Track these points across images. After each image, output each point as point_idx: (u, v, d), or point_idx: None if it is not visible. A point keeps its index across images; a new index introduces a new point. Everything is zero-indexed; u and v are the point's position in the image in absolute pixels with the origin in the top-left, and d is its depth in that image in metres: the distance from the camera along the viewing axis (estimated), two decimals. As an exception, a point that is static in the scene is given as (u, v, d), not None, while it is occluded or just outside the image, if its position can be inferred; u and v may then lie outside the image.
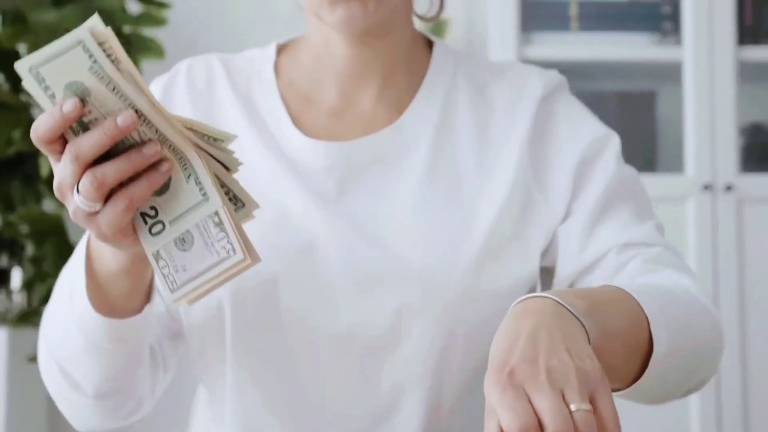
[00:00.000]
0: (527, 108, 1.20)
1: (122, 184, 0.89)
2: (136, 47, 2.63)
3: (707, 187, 2.62)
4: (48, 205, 2.71)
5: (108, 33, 0.82)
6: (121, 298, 1.06)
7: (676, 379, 1.01)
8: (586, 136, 1.19)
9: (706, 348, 1.05)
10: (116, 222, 0.89)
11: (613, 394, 0.97)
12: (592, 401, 0.79)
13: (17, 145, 2.58)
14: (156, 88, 1.25)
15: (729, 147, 2.65)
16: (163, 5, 2.69)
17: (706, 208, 2.62)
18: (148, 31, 2.72)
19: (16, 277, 2.71)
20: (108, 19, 2.59)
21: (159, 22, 2.65)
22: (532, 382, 0.78)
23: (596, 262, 1.14)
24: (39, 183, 2.63)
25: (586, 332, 0.86)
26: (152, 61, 2.69)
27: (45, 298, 2.59)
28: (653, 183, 2.68)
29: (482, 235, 1.14)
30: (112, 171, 0.87)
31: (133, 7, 2.79)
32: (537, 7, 2.73)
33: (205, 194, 0.89)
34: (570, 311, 0.86)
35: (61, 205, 2.65)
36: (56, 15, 2.55)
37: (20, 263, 2.71)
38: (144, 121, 0.86)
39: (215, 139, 0.90)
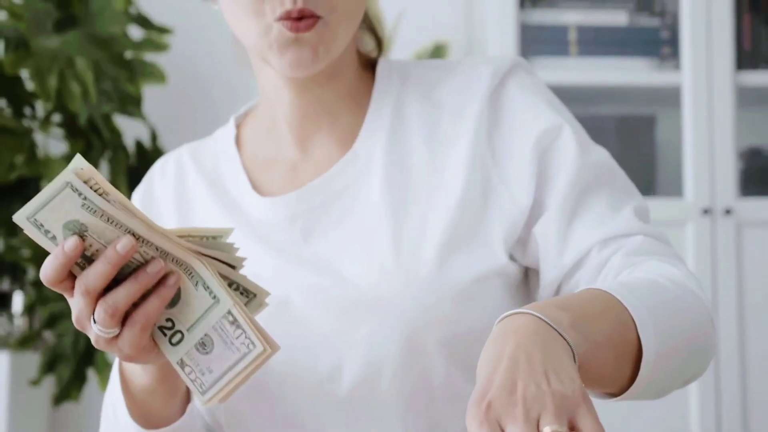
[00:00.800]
0: (476, 99, 1.17)
1: (135, 305, 0.93)
2: (138, 72, 2.65)
3: (706, 211, 2.63)
4: (50, 230, 2.72)
5: (91, 170, 0.88)
6: (162, 408, 1.10)
7: (671, 375, 1.00)
8: (540, 123, 1.15)
9: (698, 341, 1.04)
10: (136, 342, 0.93)
11: (610, 399, 0.98)
12: (573, 423, 0.80)
13: (19, 169, 2.59)
14: (136, 197, 1.27)
15: (728, 171, 2.66)
16: (164, 31, 2.71)
17: (706, 232, 2.63)
18: (150, 57, 2.74)
19: (18, 300, 2.71)
20: (110, 44, 2.61)
21: (161, 47, 2.67)
22: (507, 414, 0.80)
23: (578, 263, 1.11)
24: (41, 207, 2.64)
25: (571, 347, 0.87)
26: (154, 86, 2.70)
27: (46, 322, 2.60)
28: (653, 207, 2.67)
29: (439, 237, 1.12)
30: (123, 296, 0.91)
31: (135, 33, 2.81)
32: (536, 31, 2.74)
33: (215, 297, 0.93)
34: (553, 327, 0.87)
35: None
36: (58, 41, 2.56)
37: (22, 287, 2.72)
38: (142, 241, 0.91)
39: (214, 238, 0.94)
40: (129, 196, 2.63)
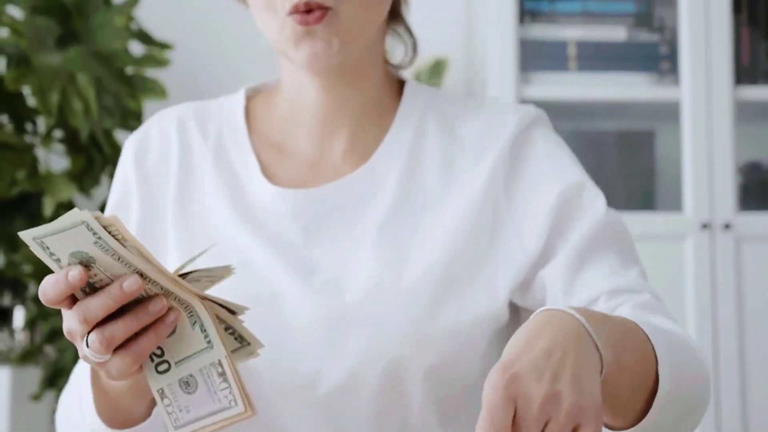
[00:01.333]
0: (499, 143, 1.18)
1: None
2: (139, 88, 2.66)
3: (706, 226, 2.64)
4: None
5: (114, 219, 0.86)
6: (130, 407, 1.08)
7: (673, 422, 1.01)
8: (566, 178, 1.17)
9: (700, 393, 1.05)
10: (125, 371, 0.93)
11: None
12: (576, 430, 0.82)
13: (21, 185, 2.60)
14: (129, 145, 1.26)
15: (727, 186, 2.66)
16: (165, 46, 2.72)
17: (705, 247, 2.63)
18: (151, 72, 2.75)
19: (19, 315, 2.72)
20: (111, 60, 2.62)
21: (161, 63, 2.68)
22: (525, 402, 0.81)
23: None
24: (42, 222, 2.64)
25: (602, 363, 0.88)
26: (155, 101, 2.71)
27: (47, 337, 2.60)
28: (652, 221, 2.71)
29: (441, 272, 1.13)
30: (121, 330, 0.90)
31: (136, 49, 2.82)
32: (536, 47, 2.75)
33: (209, 342, 0.93)
34: (593, 338, 0.88)
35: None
36: (60, 57, 2.57)
37: (23, 302, 2.73)
38: (148, 280, 0.90)
39: (220, 278, 0.94)
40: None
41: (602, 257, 1.14)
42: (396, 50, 1.28)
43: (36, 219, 2.65)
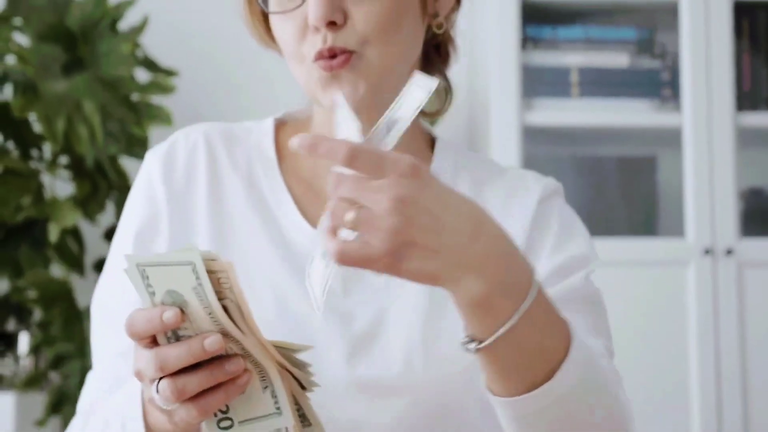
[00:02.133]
0: (523, 211, 1.20)
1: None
2: (144, 114, 2.67)
3: (708, 252, 2.64)
4: (56, 270, 2.73)
5: (226, 265, 0.86)
6: None
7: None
8: (567, 252, 1.18)
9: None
10: (189, 422, 0.92)
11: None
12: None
13: (26, 210, 2.61)
14: (154, 159, 1.23)
15: (729, 211, 2.67)
16: (170, 73, 2.73)
17: (707, 273, 2.64)
18: (156, 99, 2.76)
19: (24, 341, 2.73)
20: (117, 87, 2.64)
21: (167, 89, 2.69)
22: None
23: None
24: (47, 248, 2.65)
25: (530, 285, 0.92)
26: (160, 127, 2.72)
27: (52, 363, 2.61)
28: (654, 247, 2.72)
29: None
30: (194, 384, 0.90)
31: (142, 76, 2.83)
32: (538, 73, 2.77)
33: (278, 409, 0.93)
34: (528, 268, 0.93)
35: (69, 271, 2.68)
36: (66, 84, 2.59)
37: (28, 328, 2.73)
38: (231, 339, 0.90)
39: (294, 351, 0.93)
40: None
41: (575, 317, 1.11)
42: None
43: (41, 245, 2.66)
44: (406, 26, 1.15)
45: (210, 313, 0.88)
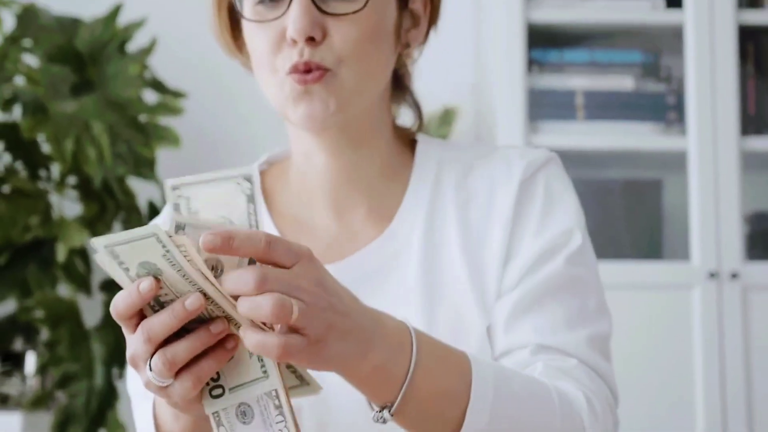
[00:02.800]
0: (506, 199, 1.20)
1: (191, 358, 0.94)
2: (152, 136, 2.68)
3: (713, 275, 2.65)
4: (63, 290, 2.74)
5: (185, 240, 0.88)
6: None
7: None
8: (554, 228, 1.18)
9: None
10: (186, 395, 0.94)
11: None
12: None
13: (34, 230, 2.62)
14: (158, 221, 1.26)
15: (734, 235, 2.68)
16: (178, 95, 2.75)
17: (712, 296, 2.64)
18: (164, 120, 2.78)
19: (30, 361, 2.73)
20: (125, 108, 2.65)
21: (175, 111, 2.71)
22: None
23: (508, 352, 1.14)
24: (55, 268, 2.66)
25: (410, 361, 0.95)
26: (168, 149, 2.74)
27: (59, 382, 2.61)
28: (659, 270, 2.72)
29: (478, 330, 1.15)
30: (183, 351, 0.91)
31: (150, 97, 2.85)
32: (544, 96, 2.78)
33: (265, 372, 0.95)
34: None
35: (76, 290, 2.69)
36: (75, 105, 2.61)
37: (34, 348, 2.74)
38: (211, 302, 0.91)
39: None
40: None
41: (550, 309, 1.14)
42: (404, 114, 1.30)
43: (49, 265, 2.67)
44: (381, 51, 1.17)
45: (184, 276, 0.89)
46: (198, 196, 0.92)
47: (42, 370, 2.66)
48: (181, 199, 0.94)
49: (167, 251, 0.88)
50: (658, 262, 2.76)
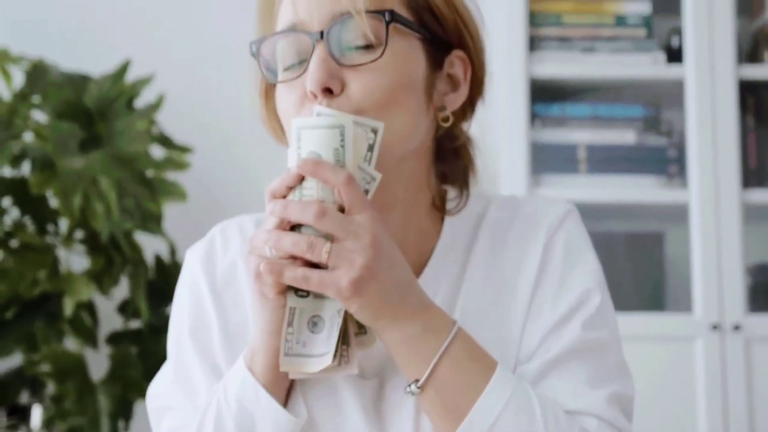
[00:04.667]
0: (531, 263, 1.19)
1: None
2: (159, 191, 2.70)
3: (715, 327, 2.65)
4: (69, 343, 2.75)
5: (360, 132, 1.03)
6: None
7: None
8: (566, 297, 1.18)
9: None
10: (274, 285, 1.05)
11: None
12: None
13: (42, 284, 2.63)
14: (195, 257, 1.26)
15: (736, 287, 2.69)
16: (185, 150, 2.77)
17: (715, 348, 2.65)
18: (171, 175, 2.80)
19: (37, 414, 2.73)
20: (132, 164, 2.68)
21: (181, 166, 2.73)
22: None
23: None
24: (62, 322, 2.67)
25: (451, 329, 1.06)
26: (174, 203, 2.75)
27: (64, 436, 2.62)
28: (662, 322, 2.72)
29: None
30: (288, 240, 1.03)
31: (157, 152, 2.87)
32: (546, 149, 2.80)
33: None
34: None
35: (83, 344, 2.69)
36: (83, 161, 2.63)
37: (41, 401, 2.74)
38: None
39: None
40: (148, 311, 2.67)
41: (572, 372, 1.14)
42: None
43: (56, 319, 2.68)
44: (407, 106, 1.12)
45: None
46: (307, 136, 1.05)
47: (48, 424, 2.66)
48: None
49: (342, 146, 1.00)
50: (661, 314, 2.77)
